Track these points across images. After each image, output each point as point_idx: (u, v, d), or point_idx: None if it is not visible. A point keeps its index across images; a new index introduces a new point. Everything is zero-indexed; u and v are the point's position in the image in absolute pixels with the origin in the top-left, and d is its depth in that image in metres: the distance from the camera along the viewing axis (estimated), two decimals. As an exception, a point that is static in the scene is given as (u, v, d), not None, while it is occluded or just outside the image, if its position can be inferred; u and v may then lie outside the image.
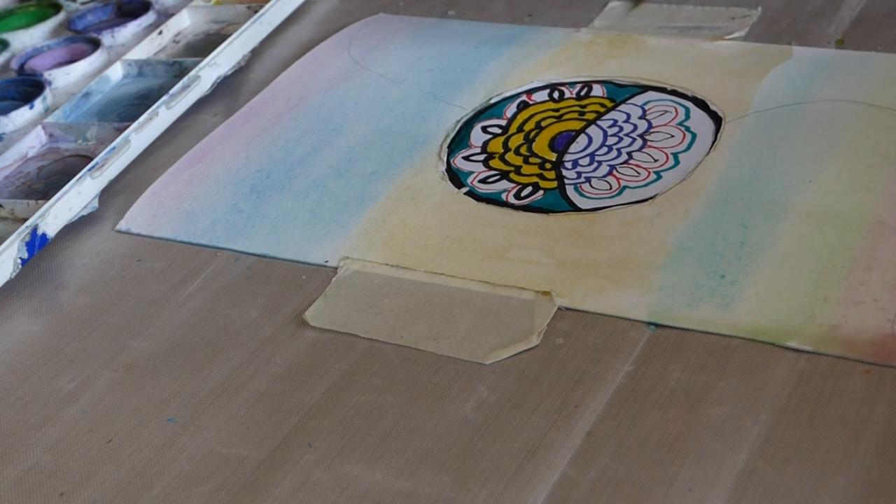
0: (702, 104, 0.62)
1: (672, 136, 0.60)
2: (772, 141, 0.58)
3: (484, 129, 0.64)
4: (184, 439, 0.48)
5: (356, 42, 0.75)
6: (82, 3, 0.84)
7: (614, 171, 0.58)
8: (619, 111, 0.63)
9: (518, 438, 0.45)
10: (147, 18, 0.79)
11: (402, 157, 0.62)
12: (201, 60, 0.71)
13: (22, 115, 0.71)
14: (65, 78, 0.74)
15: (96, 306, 0.56)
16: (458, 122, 0.65)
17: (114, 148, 0.64)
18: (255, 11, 0.77)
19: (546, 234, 0.55)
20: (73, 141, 0.68)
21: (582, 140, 0.61)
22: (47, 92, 0.72)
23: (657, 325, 0.49)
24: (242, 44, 0.74)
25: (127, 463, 0.47)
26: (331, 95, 0.69)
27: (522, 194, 0.58)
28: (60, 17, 0.82)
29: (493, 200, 0.58)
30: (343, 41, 0.75)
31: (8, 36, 0.80)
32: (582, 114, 0.63)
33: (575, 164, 0.60)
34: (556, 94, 0.65)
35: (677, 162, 0.58)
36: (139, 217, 0.62)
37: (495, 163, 0.61)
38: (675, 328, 0.49)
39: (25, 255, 0.58)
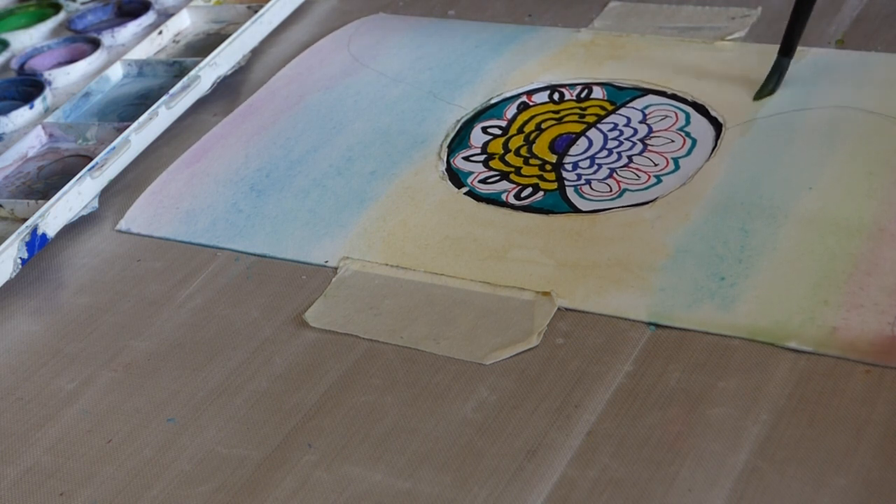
0: (702, 109, 0.62)
1: (672, 141, 0.60)
2: (772, 147, 0.58)
3: (484, 130, 0.64)
4: (184, 439, 0.48)
5: (356, 40, 0.75)
6: (82, 3, 0.84)
7: (614, 174, 0.58)
8: (620, 115, 0.63)
9: (518, 438, 0.45)
10: (147, 18, 0.79)
11: (402, 157, 0.62)
12: (201, 60, 0.71)
13: (22, 115, 0.71)
14: (65, 78, 0.74)
15: (96, 306, 0.56)
16: (458, 121, 0.65)
17: (114, 148, 0.64)
18: (255, 11, 0.77)
19: (546, 234, 0.55)
20: (73, 141, 0.68)
21: (582, 143, 0.61)
22: (47, 92, 0.72)
23: (657, 326, 0.49)
24: (242, 44, 0.74)
25: (127, 463, 0.47)
26: (330, 93, 0.69)
27: (522, 195, 0.58)
28: (60, 17, 0.82)
29: (494, 200, 0.58)
30: (342, 38, 0.75)
31: (8, 36, 0.80)
32: (582, 116, 0.63)
33: (575, 166, 0.60)
34: (556, 96, 0.65)
35: (677, 167, 0.58)
36: (139, 217, 0.62)
37: (495, 163, 0.61)
38: (675, 328, 0.49)
39: (25, 255, 0.58)
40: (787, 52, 0.62)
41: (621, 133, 0.61)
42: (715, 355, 0.47)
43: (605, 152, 0.60)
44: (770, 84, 0.62)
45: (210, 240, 0.59)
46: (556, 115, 0.64)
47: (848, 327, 0.47)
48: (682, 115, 0.62)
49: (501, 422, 0.46)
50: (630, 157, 0.59)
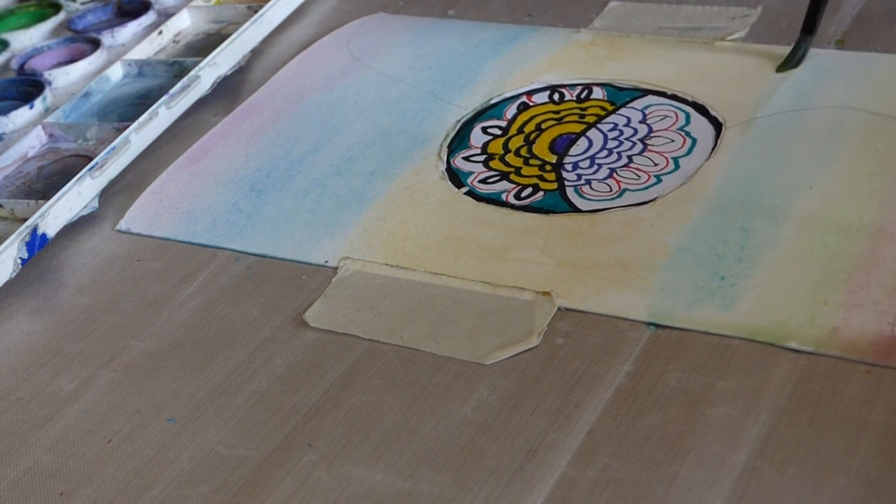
0: (702, 109, 0.62)
1: (672, 140, 0.60)
2: (772, 147, 0.58)
3: (484, 130, 0.64)
4: (184, 439, 0.48)
5: (356, 39, 0.75)
6: (82, 3, 0.84)
7: (614, 174, 0.58)
8: (620, 115, 0.63)
9: (518, 438, 0.45)
10: (147, 18, 0.79)
11: (402, 157, 0.62)
12: (201, 60, 0.71)
13: (22, 115, 0.71)
14: (65, 78, 0.74)
15: (96, 306, 0.56)
16: (458, 122, 0.65)
17: (114, 148, 0.64)
18: (255, 11, 0.77)
19: (546, 234, 0.55)
20: (73, 141, 0.68)
21: (582, 143, 0.61)
22: (47, 92, 0.72)
23: (657, 326, 0.49)
24: (242, 44, 0.74)
25: (127, 463, 0.47)
26: (330, 92, 0.69)
27: (522, 195, 0.58)
28: (60, 17, 0.82)
29: (494, 200, 0.58)
30: (342, 38, 0.75)
31: (8, 36, 0.80)
32: (582, 116, 0.63)
33: (575, 166, 0.60)
34: (556, 96, 0.65)
35: (677, 166, 0.58)
36: (139, 217, 0.62)
37: (495, 164, 0.61)
38: (675, 328, 0.49)
39: (25, 255, 0.58)
40: (809, 30, 0.63)
41: (621, 133, 0.61)
42: (715, 355, 0.47)
43: (605, 152, 0.60)
44: (794, 58, 0.63)
45: (210, 240, 0.59)
46: (556, 116, 0.64)
47: (848, 327, 0.47)
48: (682, 115, 0.62)
49: (501, 422, 0.46)
50: (630, 157, 0.59)
